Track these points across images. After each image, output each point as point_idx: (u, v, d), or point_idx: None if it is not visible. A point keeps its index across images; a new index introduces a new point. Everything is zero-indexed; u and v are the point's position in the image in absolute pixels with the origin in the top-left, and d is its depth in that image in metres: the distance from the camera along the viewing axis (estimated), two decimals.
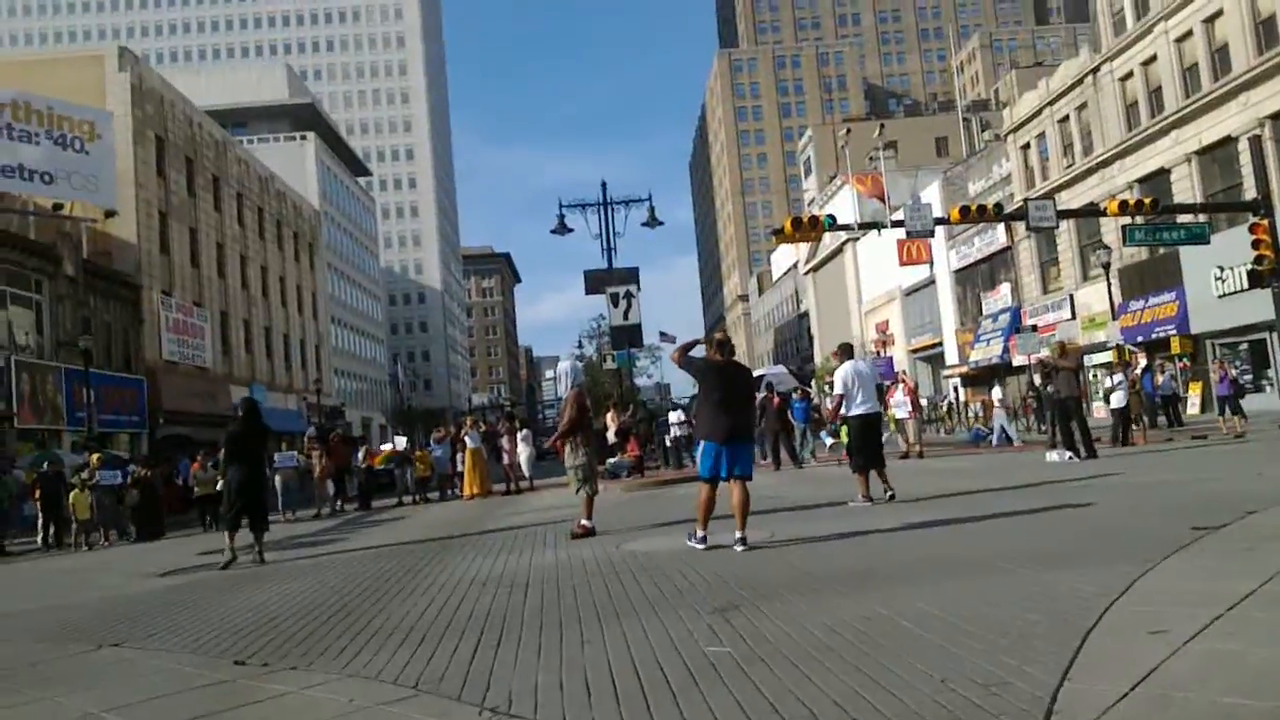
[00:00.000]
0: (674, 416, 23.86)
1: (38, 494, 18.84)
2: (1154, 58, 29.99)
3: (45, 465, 20.06)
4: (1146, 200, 22.15)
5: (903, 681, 3.59)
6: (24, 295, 28.67)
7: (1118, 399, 19.06)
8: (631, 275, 22.36)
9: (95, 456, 19.89)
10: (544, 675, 4.24)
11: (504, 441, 22.28)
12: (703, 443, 8.04)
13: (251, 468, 10.96)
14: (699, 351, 8.55)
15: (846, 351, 11.53)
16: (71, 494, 18.00)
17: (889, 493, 10.72)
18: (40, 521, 18.96)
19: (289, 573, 9.81)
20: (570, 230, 23.07)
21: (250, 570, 10.25)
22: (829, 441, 11.20)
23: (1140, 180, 30.61)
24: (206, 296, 42.19)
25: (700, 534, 7.96)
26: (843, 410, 11.05)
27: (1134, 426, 19.93)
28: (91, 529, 18.15)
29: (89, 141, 30.75)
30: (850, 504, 10.70)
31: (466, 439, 20.99)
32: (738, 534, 7.73)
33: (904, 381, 22.73)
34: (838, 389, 11.12)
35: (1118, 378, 19.69)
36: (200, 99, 47.80)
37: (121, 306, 34.37)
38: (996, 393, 24.88)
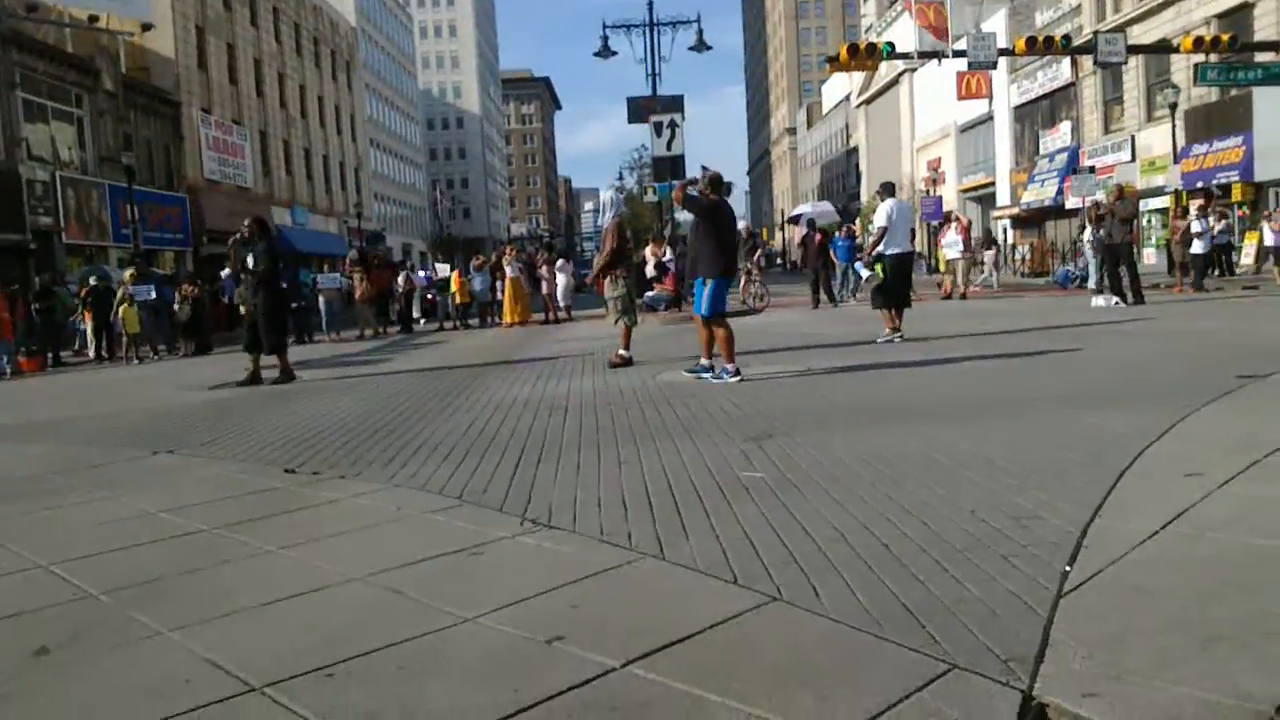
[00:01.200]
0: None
1: (88, 307, 19.36)
2: None
3: (94, 279, 20.51)
4: (1224, 36, 20.81)
5: (932, 510, 3.65)
6: (64, 110, 28.51)
7: (1201, 244, 18.59)
8: (676, 104, 21.70)
9: (128, 272, 20.23)
10: (582, 491, 4.37)
11: (543, 271, 22.34)
12: (713, 280, 8.12)
13: (265, 289, 10.63)
14: (695, 192, 8.58)
15: (888, 189, 11.72)
16: (120, 308, 18.45)
17: (897, 335, 10.90)
18: (91, 333, 19.56)
19: (334, 390, 10.10)
20: (614, 53, 22.36)
21: (294, 386, 10.54)
22: (865, 274, 11.25)
23: (1219, 15, 28.63)
24: (245, 115, 41.73)
25: (732, 367, 8.04)
26: (880, 248, 11.04)
27: (1185, 276, 19.52)
28: (140, 342, 18.69)
29: None
30: (879, 340, 10.78)
31: (506, 268, 21.06)
32: (730, 366, 8.03)
33: (958, 220, 22.23)
34: (880, 222, 11.14)
35: (1205, 222, 19.08)
36: None
37: (161, 123, 34.15)
38: (1088, 234, 23.81)
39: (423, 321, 22.49)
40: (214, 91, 38.58)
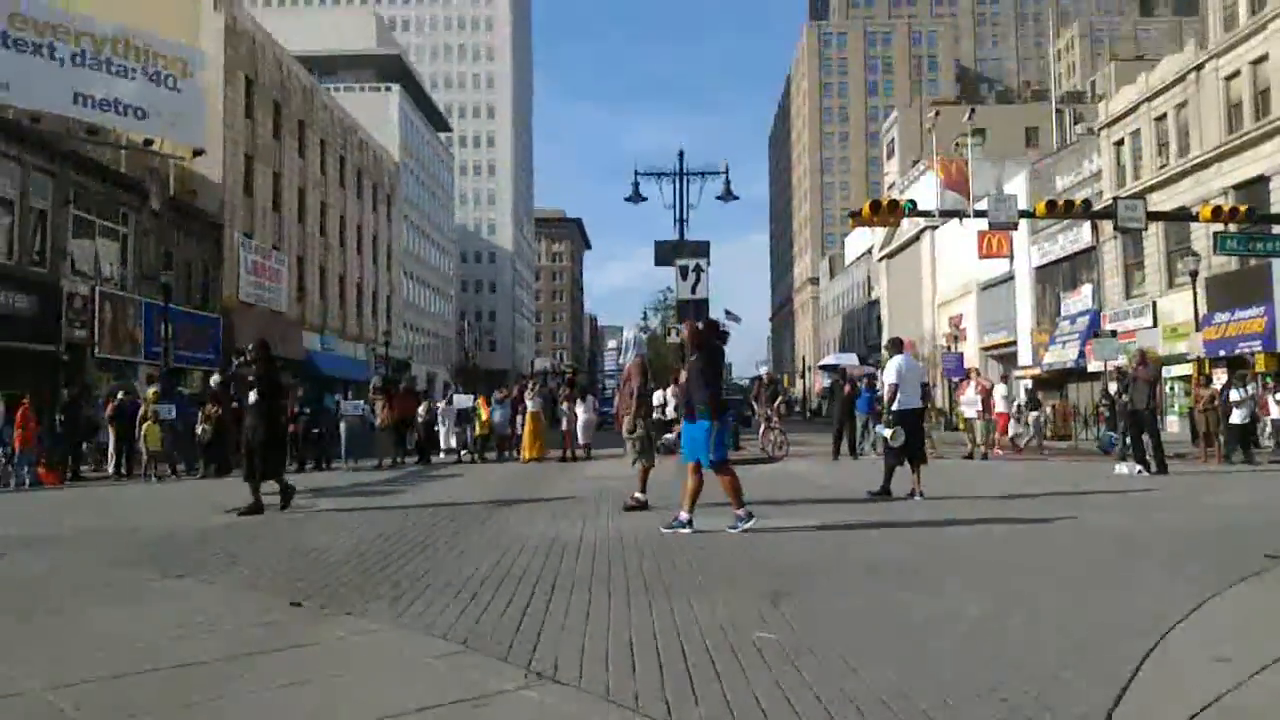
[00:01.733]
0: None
1: (112, 423, 19.50)
2: (1265, 57, 28.64)
3: (120, 395, 20.74)
4: (1241, 207, 21.27)
5: (952, 686, 3.53)
6: (111, 227, 29.55)
7: (1240, 414, 18.45)
8: (702, 249, 22.17)
9: (151, 390, 20.44)
10: (590, 642, 4.27)
11: (563, 407, 22.42)
12: (714, 423, 8.16)
13: (265, 416, 10.56)
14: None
15: (896, 345, 11.78)
16: (144, 425, 18.60)
17: (918, 492, 10.74)
18: (112, 449, 19.65)
19: (348, 520, 10.04)
20: (644, 199, 22.98)
21: (305, 514, 10.49)
22: (887, 433, 11.27)
23: (1237, 186, 29.37)
24: (285, 240, 43.06)
25: (744, 511, 7.99)
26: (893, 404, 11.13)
27: (1209, 446, 19.31)
28: (160, 460, 18.75)
29: (181, 79, 31.42)
30: (906, 498, 10.64)
31: (528, 401, 21.17)
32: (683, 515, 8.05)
33: (977, 379, 22.24)
34: (891, 379, 11.17)
35: (1244, 391, 18.98)
36: (290, 43, 48.41)
37: (203, 244, 35.27)
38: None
39: (443, 454, 22.43)
40: (257, 216, 39.95)
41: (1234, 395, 18.94)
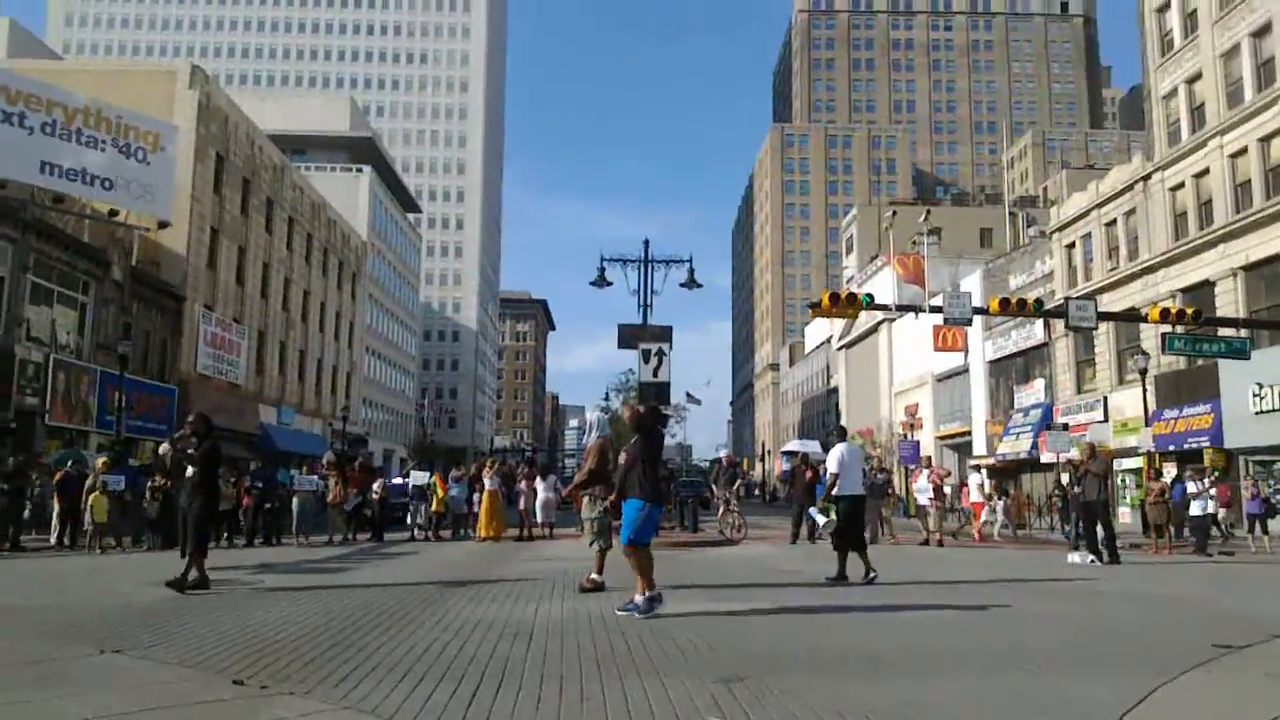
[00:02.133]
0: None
1: (59, 492, 19.00)
2: (1206, 171, 29.97)
3: (69, 464, 20.26)
4: (1189, 310, 21.98)
5: None
6: (70, 295, 29.25)
7: (1198, 506, 18.79)
8: (665, 334, 22.37)
9: (101, 461, 20.03)
10: None
11: (521, 486, 22.24)
12: (649, 505, 8.23)
13: (199, 494, 10.40)
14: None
15: (841, 433, 12.27)
16: (91, 496, 18.13)
17: (871, 574, 10.80)
18: (56, 519, 19.10)
19: (295, 597, 9.80)
20: (609, 284, 23.18)
21: (251, 590, 10.23)
22: (821, 520, 11.46)
23: (1183, 290, 30.41)
24: (247, 314, 42.82)
25: (654, 593, 8.02)
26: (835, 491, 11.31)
27: (1159, 537, 19.58)
28: (106, 532, 18.24)
29: (152, 152, 31.56)
30: (864, 583, 10.67)
31: (485, 480, 20.98)
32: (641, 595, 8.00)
33: (931, 469, 22.49)
34: (833, 468, 11.41)
35: (1198, 484, 19.36)
36: (264, 123, 48.90)
37: (163, 316, 34.96)
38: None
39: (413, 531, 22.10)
40: (219, 289, 39.76)
41: (1191, 488, 19.29)
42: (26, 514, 19.68)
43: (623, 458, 9.22)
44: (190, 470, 10.38)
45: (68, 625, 7.58)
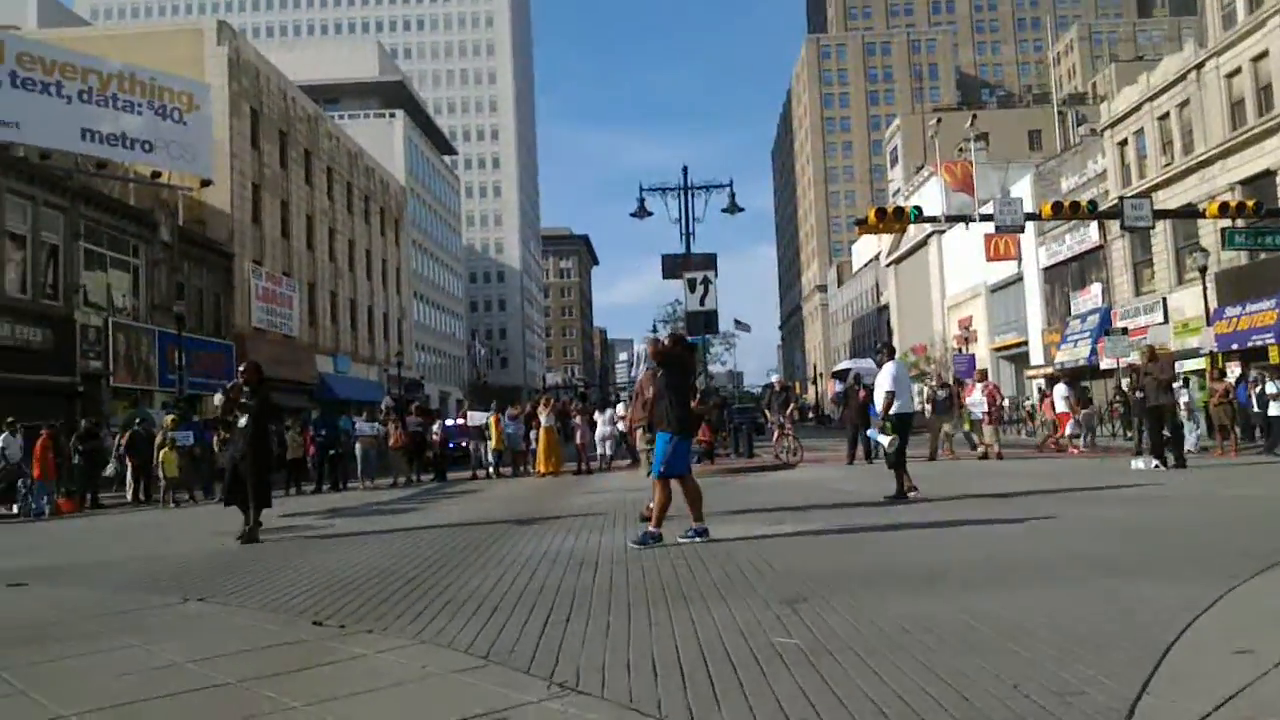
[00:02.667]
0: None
1: (127, 451, 19.65)
2: (1265, 53, 28.60)
3: (137, 423, 20.89)
4: (1249, 202, 21.21)
5: (972, 683, 3.54)
6: (122, 259, 29.81)
7: (1278, 407, 18.35)
8: (709, 261, 22.24)
9: (169, 418, 20.61)
10: (611, 654, 4.29)
11: (575, 420, 22.51)
12: (676, 438, 8.10)
13: (253, 442, 10.36)
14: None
15: (889, 351, 11.86)
16: (161, 452, 18.73)
17: (911, 490, 10.88)
18: (130, 477, 19.79)
19: (365, 540, 10.08)
20: (650, 214, 23.02)
21: (321, 535, 10.51)
22: (884, 440, 11.31)
23: (1243, 182, 29.30)
24: (295, 267, 43.32)
25: (702, 525, 8.08)
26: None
27: (1225, 439, 19.19)
28: (178, 487, 18.87)
29: (187, 112, 31.77)
30: (911, 496, 10.70)
31: (541, 417, 21.25)
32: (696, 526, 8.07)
33: (986, 381, 22.22)
34: (887, 385, 11.16)
35: (1278, 384, 18.82)
36: (294, 74, 48.78)
37: (213, 273, 35.52)
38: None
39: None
40: (266, 244, 40.22)
41: (1270, 388, 18.67)
42: (110, 470, 20.39)
43: (649, 391, 9.18)
44: (243, 421, 10.30)
45: (150, 576, 7.89)
